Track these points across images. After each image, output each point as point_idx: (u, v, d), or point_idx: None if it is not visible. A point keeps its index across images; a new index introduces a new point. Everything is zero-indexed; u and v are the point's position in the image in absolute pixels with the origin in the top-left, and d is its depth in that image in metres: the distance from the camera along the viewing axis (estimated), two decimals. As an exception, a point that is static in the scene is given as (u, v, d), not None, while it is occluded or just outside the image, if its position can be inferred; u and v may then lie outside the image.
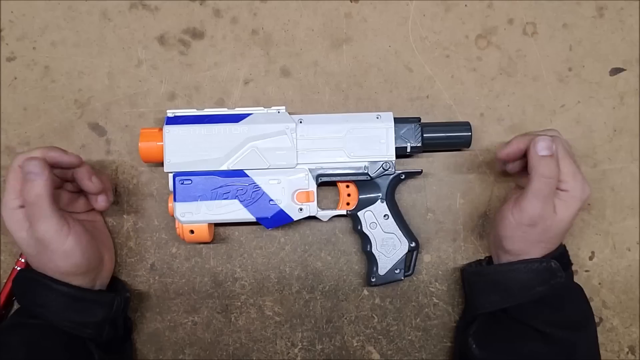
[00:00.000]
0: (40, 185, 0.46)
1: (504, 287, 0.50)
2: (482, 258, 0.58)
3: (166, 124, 0.54)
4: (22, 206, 0.48)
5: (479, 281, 0.53)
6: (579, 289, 0.53)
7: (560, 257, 0.50)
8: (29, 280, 0.50)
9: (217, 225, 0.59)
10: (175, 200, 0.54)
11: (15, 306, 0.58)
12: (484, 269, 0.53)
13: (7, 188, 0.48)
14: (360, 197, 0.56)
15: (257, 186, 0.54)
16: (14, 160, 0.49)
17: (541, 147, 0.48)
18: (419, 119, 0.56)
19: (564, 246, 0.52)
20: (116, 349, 0.54)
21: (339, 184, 0.57)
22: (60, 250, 0.48)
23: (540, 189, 0.47)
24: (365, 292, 0.60)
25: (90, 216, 0.56)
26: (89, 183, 0.51)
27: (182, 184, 0.54)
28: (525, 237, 0.49)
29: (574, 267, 0.59)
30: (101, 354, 0.50)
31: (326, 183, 0.56)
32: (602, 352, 0.59)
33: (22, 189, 0.47)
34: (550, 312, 0.49)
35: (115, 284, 0.56)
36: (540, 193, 0.47)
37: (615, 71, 0.61)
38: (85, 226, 0.52)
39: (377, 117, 0.55)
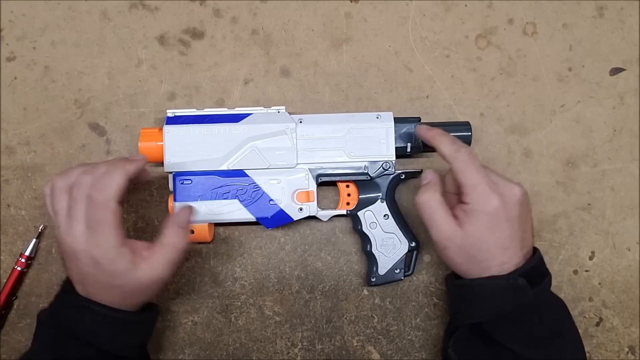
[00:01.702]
0: (188, 234, 0.49)
1: (473, 302, 0.48)
2: None
3: (166, 123, 0.54)
4: (124, 244, 0.46)
5: (454, 293, 0.51)
6: (556, 303, 0.49)
7: (532, 270, 0.47)
8: (80, 307, 0.47)
9: (217, 225, 0.59)
10: (175, 200, 0.54)
11: (16, 306, 0.58)
12: (458, 282, 0.50)
13: (107, 229, 0.45)
14: (360, 197, 0.57)
15: (257, 186, 0.55)
16: (100, 199, 0.45)
17: (422, 178, 0.50)
18: (419, 119, 0.56)
19: (539, 256, 0.49)
20: None
21: (339, 184, 0.57)
22: (165, 287, 0.50)
23: (422, 216, 0.48)
24: (365, 292, 0.60)
25: None
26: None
27: (182, 183, 0.54)
28: (449, 260, 0.48)
29: (574, 267, 0.60)
30: None
31: (326, 183, 0.56)
32: (602, 352, 0.59)
33: (172, 235, 0.48)
34: (519, 330, 0.47)
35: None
36: (424, 220, 0.48)
37: (615, 71, 0.61)
38: None
39: (377, 117, 0.55)
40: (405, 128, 0.56)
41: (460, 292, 0.49)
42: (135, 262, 0.46)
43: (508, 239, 0.46)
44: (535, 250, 0.49)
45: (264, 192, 0.55)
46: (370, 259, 0.57)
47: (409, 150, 0.56)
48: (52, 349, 0.47)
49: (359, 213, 0.56)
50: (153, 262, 0.47)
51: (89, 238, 0.45)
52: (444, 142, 0.49)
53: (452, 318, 0.53)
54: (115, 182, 0.45)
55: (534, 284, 0.46)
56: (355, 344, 0.59)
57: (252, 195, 0.55)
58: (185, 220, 0.49)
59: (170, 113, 0.55)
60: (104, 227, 0.45)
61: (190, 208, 0.51)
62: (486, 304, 0.47)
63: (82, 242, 0.45)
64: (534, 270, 0.47)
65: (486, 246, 0.46)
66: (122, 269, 0.45)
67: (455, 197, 0.50)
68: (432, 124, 0.57)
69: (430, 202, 0.48)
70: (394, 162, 0.55)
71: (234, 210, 0.54)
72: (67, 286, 0.48)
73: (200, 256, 0.60)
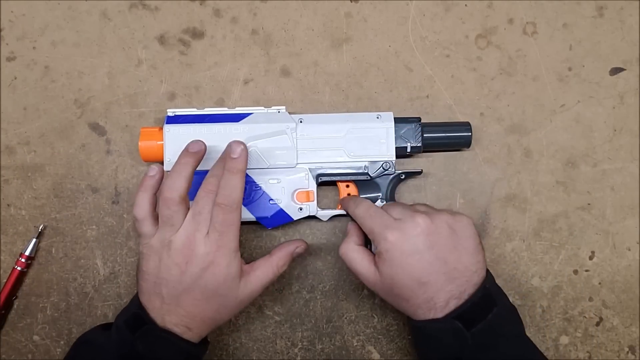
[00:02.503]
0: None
1: (422, 344, 0.46)
2: None
3: (166, 123, 0.54)
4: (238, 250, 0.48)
5: (411, 332, 0.52)
6: (507, 332, 0.45)
7: (472, 307, 0.44)
8: (157, 337, 0.45)
9: (217, 225, 0.59)
10: (175, 200, 0.54)
11: (15, 306, 0.58)
12: (409, 323, 0.49)
13: (234, 228, 0.46)
14: (360, 197, 0.56)
15: (257, 186, 0.55)
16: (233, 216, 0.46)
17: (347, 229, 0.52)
18: (419, 119, 0.56)
19: (486, 285, 0.45)
20: None
21: (339, 184, 0.57)
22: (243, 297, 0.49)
23: (348, 267, 0.49)
24: (365, 291, 0.60)
25: None
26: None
27: (182, 183, 0.54)
28: (389, 303, 0.48)
29: (574, 267, 0.60)
30: None
31: (326, 183, 0.56)
32: (602, 352, 0.59)
33: (283, 261, 0.50)
34: None
35: None
36: (351, 271, 0.49)
37: (615, 71, 0.61)
38: None
39: (377, 117, 0.55)
40: (405, 128, 0.56)
41: (412, 333, 0.50)
42: (240, 271, 0.47)
43: (424, 272, 0.44)
44: (487, 274, 0.46)
45: (264, 191, 0.55)
46: (370, 259, 0.57)
47: (409, 150, 0.56)
48: None
49: (359, 213, 0.56)
50: (258, 275, 0.48)
51: (216, 240, 0.45)
52: (347, 204, 0.52)
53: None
54: (238, 186, 0.46)
55: (477, 321, 0.43)
56: (355, 343, 0.59)
57: (252, 195, 0.55)
58: (295, 252, 0.51)
59: (170, 112, 0.55)
60: (231, 229, 0.46)
61: (305, 244, 0.52)
62: (436, 346, 0.45)
63: (206, 244, 0.45)
64: (475, 306, 0.44)
65: (402, 283, 0.45)
66: (234, 273, 0.46)
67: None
68: (432, 124, 0.57)
69: (348, 252, 0.49)
70: (394, 162, 0.55)
71: (234, 210, 0.54)
72: (143, 313, 0.47)
73: (200, 256, 0.59)
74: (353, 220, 0.51)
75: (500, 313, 0.45)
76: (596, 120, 0.61)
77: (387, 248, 0.45)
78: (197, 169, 0.54)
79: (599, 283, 0.60)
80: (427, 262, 0.44)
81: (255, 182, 0.55)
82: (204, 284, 0.46)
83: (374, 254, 0.48)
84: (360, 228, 0.50)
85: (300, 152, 0.55)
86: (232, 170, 0.46)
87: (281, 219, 0.55)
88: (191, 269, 0.45)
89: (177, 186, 0.46)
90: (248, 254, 0.59)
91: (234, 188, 0.46)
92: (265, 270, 0.49)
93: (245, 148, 0.47)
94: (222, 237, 0.46)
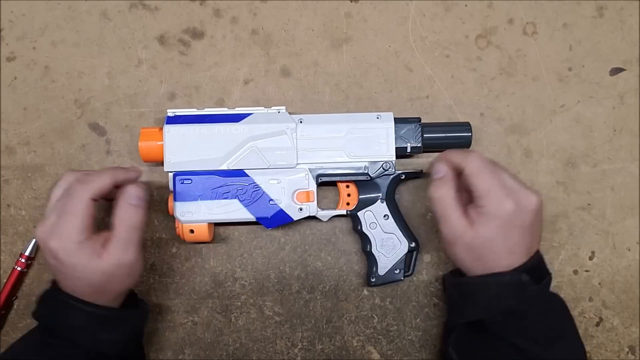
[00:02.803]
0: (142, 211, 0.48)
1: (476, 299, 0.48)
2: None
3: (166, 123, 0.54)
4: (89, 238, 0.46)
5: (453, 292, 0.52)
6: (555, 301, 0.50)
7: (534, 268, 0.47)
8: (59, 302, 0.47)
9: (217, 225, 0.59)
10: (175, 199, 0.54)
11: (15, 306, 0.58)
12: (459, 280, 0.50)
13: (73, 223, 0.46)
14: (360, 197, 0.56)
15: (257, 186, 0.55)
16: (82, 192, 0.46)
17: (434, 171, 0.49)
18: (419, 119, 0.56)
19: (540, 256, 0.49)
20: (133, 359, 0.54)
21: (339, 184, 0.57)
22: (138, 272, 0.49)
23: (435, 211, 0.48)
24: (365, 292, 0.60)
25: None
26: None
27: (182, 183, 0.54)
28: (454, 257, 0.48)
29: (574, 267, 0.60)
30: None
31: (326, 183, 0.56)
32: (602, 352, 0.59)
33: (121, 214, 0.47)
34: (523, 325, 0.47)
35: (133, 297, 0.54)
36: (437, 214, 0.48)
37: (615, 71, 0.61)
38: None
39: (377, 117, 0.55)
40: (405, 128, 0.56)
41: (465, 289, 0.49)
42: (99, 254, 0.46)
43: (517, 245, 0.46)
44: (536, 251, 0.49)
45: (264, 192, 0.55)
46: (370, 259, 0.57)
47: (409, 150, 0.56)
48: (36, 347, 0.47)
49: (359, 213, 0.56)
50: (111, 248, 0.47)
51: (53, 228, 0.46)
52: (452, 154, 0.50)
53: (451, 316, 0.53)
54: (99, 179, 0.47)
55: (536, 282, 0.46)
56: (355, 344, 0.59)
57: (252, 195, 0.55)
58: (134, 196, 0.48)
59: (170, 113, 0.55)
60: (70, 218, 0.45)
61: (140, 185, 0.50)
62: (491, 300, 0.47)
63: (46, 232, 0.46)
64: (535, 268, 0.47)
65: (495, 248, 0.46)
66: (82, 262, 0.45)
67: (466, 195, 0.50)
68: (432, 124, 0.57)
69: (444, 198, 0.48)
70: (394, 162, 0.55)
71: (234, 210, 0.54)
72: (54, 283, 0.49)
73: (200, 256, 0.60)
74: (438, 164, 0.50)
75: (549, 281, 0.49)
76: (596, 120, 0.61)
77: (500, 215, 0.46)
78: (197, 168, 0.54)
79: (599, 283, 0.60)
80: (524, 237, 0.47)
81: (255, 182, 0.55)
82: (61, 271, 0.47)
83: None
84: (456, 176, 0.49)
85: (300, 152, 0.55)
86: (108, 168, 0.50)
87: (281, 219, 0.55)
88: (46, 257, 0.47)
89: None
90: (248, 254, 0.60)
91: (93, 180, 0.48)
92: (117, 236, 0.47)
93: (140, 172, 0.51)
94: (61, 225, 0.46)
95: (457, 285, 0.50)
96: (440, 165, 0.49)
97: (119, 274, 0.47)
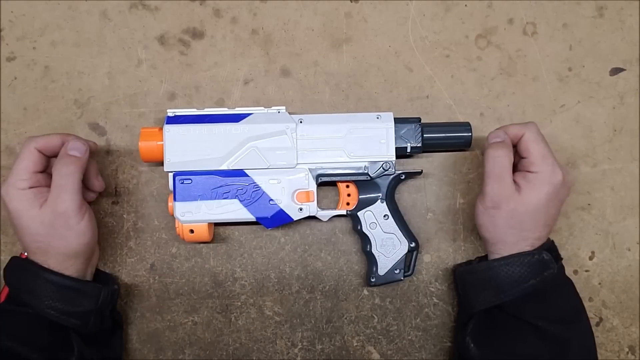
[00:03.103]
0: (79, 162, 0.50)
1: (497, 282, 0.50)
2: (473, 259, 0.58)
3: (166, 123, 0.54)
4: (32, 187, 0.49)
5: (472, 279, 0.53)
6: (570, 283, 0.53)
7: (549, 250, 0.50)
8: (19, 267, 0.50)
9: (217, 225, 0.59)
10: (175, 199, 0.54)
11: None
12: (476, 267, 0.53)
13: (17, 169, 0.49)
14: (360, 197, 0.56)
15: (257, 186, 0.54)
16: (29, 143, 0.50)
17: (492, 137, 0.52)
18: (419, 119, 0.56)
19: (552, 241, 0.52)
20: (102, 341, 0.54)
21: (339, 184, 0.57)
22: (77, 227, 0.49)
23: (492, 169, 0.49)
24: (365, 292, 0.60)
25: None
26: (95, 181, 0.55)
27: (182, 183, 0.54)
28: (493, 221, 0.50)
29: (574, 267, 0.60)
30: (82, 346, 0.50)
31: (326, 183, 0.56)
32: (602, 352, 0.59)
33: (58, 163, 0.49)
34: (543, 306, 0.49)
35: (103, 276, 0.57)
36: (492, 172, 0.49)
37: (615, 71, 0.61)
38: None
39: (377, 117, 0.55)
40: (405, 128, 0.56)
41: (485, 274, 0.51)
42: (40, 203, 0.49)
43: (552, 218, 0.50)
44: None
45: (264, 192, 0.55)
46: (370, 259, 0.57)
47: (409, 150, 0.56)
48: (1, 312, 0.49)
49: (358, 213, 0.56)
50: (47, 197, 0.49)
51: (4, 179, 0.50)
52: (510, 125, 0.52)
53: (468, 305, 0.53)
54: (47, 136, 0.51)
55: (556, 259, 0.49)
56: (355, 344, 0.59)
57: (252, 195, 0.54)
58: (71, 147, 0.51)
59: (170, 113, 0.55)
60: (15, 166, 0.49)
61: (82, 140, 0.52)
62: (513, 281, 0.49)
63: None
64: (552, 248, 0.51)
65: (536, 217, 0.49)
66: (23, 208, 0.48)
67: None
68: (432, 124, 0.57)
69: (503, 158, 0.49)
70: (394, 162, 0.55)
71: (234, 210, 0.54)
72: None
73: (200, 256, 0.60)
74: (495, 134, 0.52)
75: (562, 266, 0.52)
76: (596, 120, 0.61)
77: (552, 182, 0.48)
78: (197, 168, 0.54)
79: (599, 283, 0.60)
80: (557, 211, 0.51)
81: (255, 182, 0.55)
82: (14, 229, 0.51)
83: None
84: (511, 144, 0.52)
85: (300, 152, 0.55)
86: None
87: (281, 219, 0.55)
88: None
89: None
90: (248, 254, 0.60)
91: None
92: (56, 184, 0.49)
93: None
94: (10, 177, 0.50)
95: (474, 271, 0.52)
96: (499, 131, 0.52)
97: (59, 226, 0.48)
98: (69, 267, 0.50)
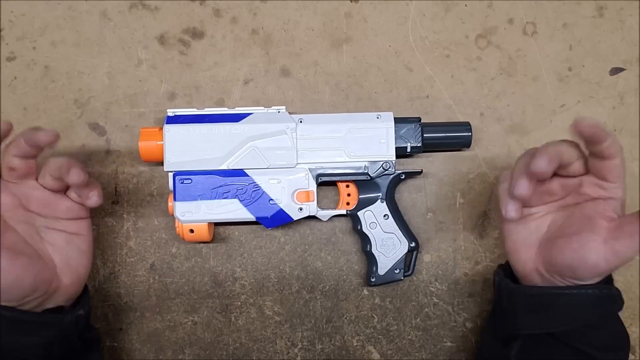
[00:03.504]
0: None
1: (556, 311, 0.45)
2: (504, 264, 0.52)
3: (166, 123, 0.54)
4: None
5: (524, 301, 0.46)
6: None
7: (609, 276, 0.46)
8: None
9: (217, 225, 0.59)
10: (175, 199, 0.54)
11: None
12: (532, 289, 0.46)
13: None
14: (360, 197, 0.57)
15: (257, 186, 0.55)
16: None
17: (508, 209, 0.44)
18: (419, 119, 0.56)
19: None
20: None
21: (339, 184, 0.57)
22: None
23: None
24: (365, 292, 0.60)
25: (74, 227, 0.49)
26: (72, 175, 0.44)
27: (182, 183, 0.54)
28: (602, 276, 0.44)
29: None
30: None
31: (326, 183, 0.56)
32: (602, 352, 0.59)
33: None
34: (598, 334, 0.45)
35: (79, 296, 0.50)
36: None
37: (615, 71, 0.61)
38: (53, 241, 0.48)
39: (377, 117, 0.55)
40: (405, 128, 0.56)
41: (546, 300, 0.45)
42: None
43: None
44: None
45: (263, 191, 0.55)
46: (370, 259, 0.57)
47: (409, 150, 0.56)
48: None
49: (358, 213, 0.56)
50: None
51: None
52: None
53: (511, 324, 0.48)
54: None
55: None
56: (355, 344, 0.59)
57: (252, 194, 0.55)
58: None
59: (170, 112, 0.55)
60: None
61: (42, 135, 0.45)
62: (577, 313, 0.44)
63: None
64: (610, 277, 0.46)
65: None
66: None
67: None
68: (432, 124, 0.57)
69: None
70: (394, 162, 0.55)
71: (233, 210, 0.54)
72: None
73: (200, 256, 0.60)
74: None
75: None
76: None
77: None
78: (197, 168, 0.54)
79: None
80: None
81: (255, 182, 0.55)
82: None
83: None
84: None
85: (300, 152, 0.55)
86: None
87: (281, 219, 0.55)
88: None
89: None
90: (248, 254, 0.60)
91: None
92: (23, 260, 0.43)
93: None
94: None
95: (530, 294, 0.46)
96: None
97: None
98: (23, 304, 0.44)
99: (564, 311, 0.44)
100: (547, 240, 0.46)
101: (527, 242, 0.47)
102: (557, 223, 0.46)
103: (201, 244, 0.60)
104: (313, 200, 0.55)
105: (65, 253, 0.48)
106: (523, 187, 0.42)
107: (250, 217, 0.55)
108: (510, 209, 0.44)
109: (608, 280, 0.45)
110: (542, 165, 0.40)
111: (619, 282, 0.59)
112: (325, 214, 0.56)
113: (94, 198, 0.46)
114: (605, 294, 0.44)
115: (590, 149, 0.42)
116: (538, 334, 0.46)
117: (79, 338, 0.49)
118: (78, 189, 0.47)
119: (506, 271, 0.50)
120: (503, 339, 0.49)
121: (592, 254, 0.42)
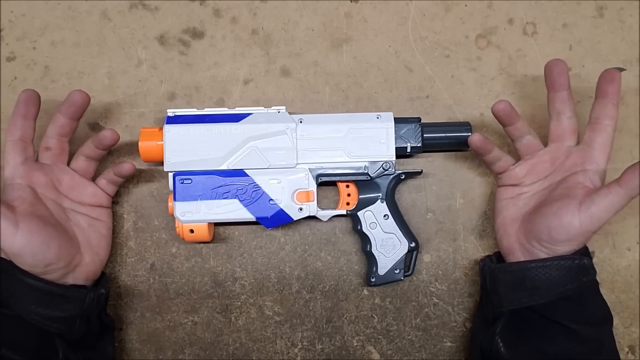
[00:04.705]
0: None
1: (532, 284, 0.48)
2: (492, 253, 0.56)
3: (166, 123, 0.54)
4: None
5: (504, 278, 0.50)
6: (597, 283, 0.51)
7: (585, 250, 0.49)
8: (2, 269, 0.47)
9: (217, 225, 0.59)
10: (175, 199, 0.54)
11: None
12: (510, 266, 0.51)
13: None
14: (360, 197, 0.57)
15: (257, 186, 0.55)
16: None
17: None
18: (419, 119, 0.56)
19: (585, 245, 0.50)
20: (89, 345, 0.52)
21: (339, 184, 0.57)
22: (8, 250, 0.46)
23: (622, 205, 0.46)
24: (365, 292, 0.60)
25: (96, 213, 0.54)
26: (105, 134, 0.52)
27: (182, 183, 0.54)
28: (575, 242, 0.48)
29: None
30: (67, 350, 0.48)
31: (326, 183, 0.56)
32: (602, 352, 0.59)
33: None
34: (578, 309, 0.48)
35: (98, 279, 0.54)
36: (618, 208, 0.46)
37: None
38: (77, 222, 0.53)
39: (377, 117, 0.55)
40: (405, 128, 0.56)
41: (522, 274, 0.49)
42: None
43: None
44: None
45: (263, 191, 0.55)
46: (370, 259, 0.57)
47: (409, 150, 0.56)
48: None
49: (358, 213, 0.56)
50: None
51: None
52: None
53: (498, 303, 0.51)
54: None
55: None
56: (355, 344, 0.59)
57: (252, 195, 0.55)
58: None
59: (170, 112, 0.55)
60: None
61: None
62: (552, 284, 0.47)
63: None
64: (586, 250, 0.50)
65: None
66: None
67: None
68: (432, 124, 0.57)
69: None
70: (394, 162, 0.55)
71: (233, 210, 0.54)
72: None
73: (200, 256, 0.60)
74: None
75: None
76: (596, 120, 0.60)
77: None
78: (197, 168, 0.54)
79: (599, 283, 0.60)
80: None
81: (255, 182, 0.55)
82: None
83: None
84: None
85: (300, 152, 0.55)
86: None
87: (281, 219, 0.55)
88: None
89: None
90: (248, 254, 0.60)
91: None
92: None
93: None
94: None
95: (509, 270, 0.50)
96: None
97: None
98: (47, 272, 0.48)
99: (541, 283, 0.48)
100: (531, 211, 0.51)
101: (514, 217, 0.52)
102: (543, 199, 0.51)
103: (201, 244, 0.60)
104: (313, 201, 0.55)
105: (87, 234, 0.53)
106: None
107: (250, 217, 0.55)
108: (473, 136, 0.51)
109: (584, 253, 0.49)
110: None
111: (618, 282, 0.60)
112: (325, 214, 0.56)
113: (126, 165, 0.53)
114: (576, 264, 0.47)
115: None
116: (521, 311, 0.49)
117: (98, 317, 0.52)
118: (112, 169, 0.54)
119: (490, 259, 0.54)
120: (489, 321, 0.52)
121: (568, 214, 0.47)
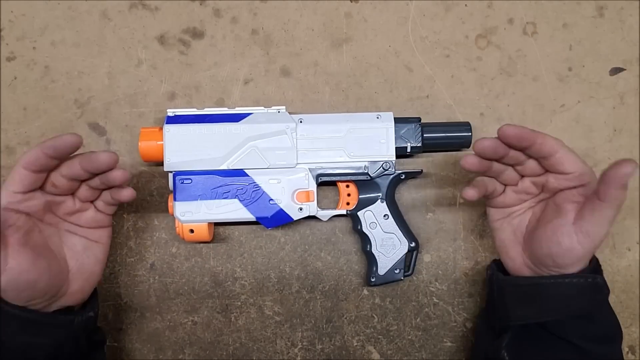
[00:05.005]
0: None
1: (542, 301, 0.46)
2: (499, 259, 0.53)
3: (166, 123, 0.54)
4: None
5: (514, 292, 0.48)
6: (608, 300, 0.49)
7: (596, 265, 0.47)
8: None
9: (217, 225, 0.59)
10: (175, 199, 0.54)
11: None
12: (522, 280, 0.48)
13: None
14: (360, 197, 0.57)
15: (257, 186, 0.55)
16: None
17: (627, 172, 0.40)
18: (419, 119, 0.56)
19: (596, 258, 0.48)
20: None
21: (339, 184, 0.57)
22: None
23: (613, 215, 0.43)
24: (365, 292, 0.60)
25: (95, 235, 0.51)
26: (113, 173, 0.46)
27: (182, 183, 0.54)
28: (582, 261, 0.46)
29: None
30: None
31: (326, 183, 0.56)
32: (602, 352, 0.59)
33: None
34: (588, 326, 0.46)
35: (89, 299, 0.51)
36: (611, 219, 0.43)
37: (615, 71, 0.61)
38: (73, 246, 0.49)
39: (377, 117, 0.55)
40: (405, 128, 0.56)
41: (533, 290, 0.47)
42: None
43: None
44: None
45: (263, 191, 0.55)
46: (370, 259, 0.57)
47: (409, 150, 0.56)
48: None
49: (358, 213, 0.56)
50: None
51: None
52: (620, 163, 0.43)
53: (505, 316, 0.49)
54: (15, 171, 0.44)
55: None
56: (355, 344, 0.59)
57: (252, 194, 0.55)
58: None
59: (170, 112, 0.55)
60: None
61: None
62: (563, 302, 0.45)
63: None
64: (597, 265, 0.47)
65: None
66: None
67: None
68: (432, 124, 0.57)
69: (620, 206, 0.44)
70: (394, 162, 0.55)
71: (233, 210, 0.54)
72: None
73: (200, 256, 0.60)
74: None
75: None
76: (596, 120, 0.61)
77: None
78: (197, 168, 0.54)
79: (599, 283, 0.60)
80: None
81: (255, 182, 0.55)
82: None
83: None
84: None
85: (300, 152, 0.55)
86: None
87: (281, 219, 0.55)
88: None
89: None
90: (248, 254, 0.60)
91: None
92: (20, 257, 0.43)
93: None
94: None
95: (519, 285, 0.48)
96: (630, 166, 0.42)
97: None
98: (30, 305, 0.44)
99: (551, 300, 0.46)
100: (528, 235, 0.48)
101: (514, 238, 0.50)
102: (537, 216, 0.49)
103: (201, 244, 0.60)
104: (313, 200, 0.55)
105: (81, 259, 0.49)
106: (473, 156, 0.48)
107: (250, 217, 0.55)
108: (467, 190, 0.48)
109: (596, 269, 0.46)
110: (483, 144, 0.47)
111: (618, 282, 0.60)
112: (325, 214, 0.56)
113: (125, 192, 0.48)
114: (589, 283, 0.45)
115: (526, 152, 0.47)
116: (529, 326, 0.47)
117: (87, 339, 0.49)
118: (107, 181, 0.47)
119: (499, 266, 0.52)
120: (495, 331, 0.51)
121: (565, 237, 0.44)
